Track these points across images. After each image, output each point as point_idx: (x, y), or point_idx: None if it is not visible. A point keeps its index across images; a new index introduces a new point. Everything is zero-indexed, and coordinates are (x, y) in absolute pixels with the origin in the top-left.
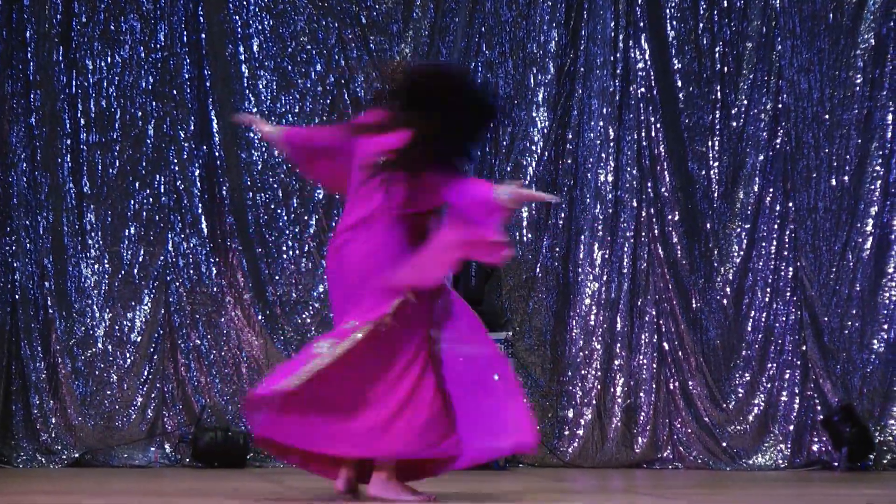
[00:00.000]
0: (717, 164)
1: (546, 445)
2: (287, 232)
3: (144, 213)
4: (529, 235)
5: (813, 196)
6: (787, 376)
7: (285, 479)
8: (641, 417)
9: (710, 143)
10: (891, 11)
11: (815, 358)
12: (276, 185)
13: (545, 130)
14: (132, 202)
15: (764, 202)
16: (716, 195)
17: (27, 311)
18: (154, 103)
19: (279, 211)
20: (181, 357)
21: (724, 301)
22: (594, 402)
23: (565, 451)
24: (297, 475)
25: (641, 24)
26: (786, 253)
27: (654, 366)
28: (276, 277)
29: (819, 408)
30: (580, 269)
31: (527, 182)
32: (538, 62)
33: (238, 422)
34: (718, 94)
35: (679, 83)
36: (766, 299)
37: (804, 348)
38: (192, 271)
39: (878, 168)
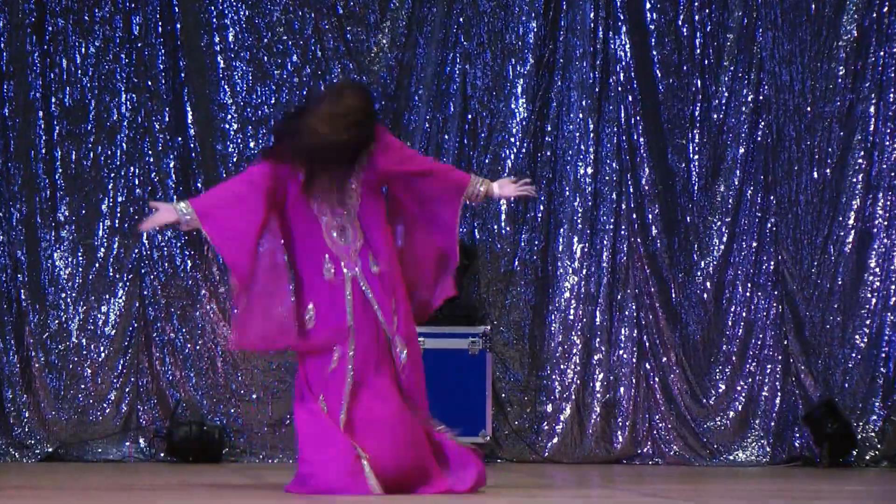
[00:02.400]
0: (697, 156)
1: (524, 441)
2: None
3: (119, 206)
4: (507, 228)
5: (794, 189)
6: (767, 371)
7: (262, 475)
8: (621, 412)
9: (690, 136)
10: (873, 2)
11: (796, 352)
12: None
13: (524, 122)
14: (106, 194)
15: (745, 195)
16: (696, 188)
17: (0, 303)
18: (128, 94)
19: None
20: (156, 351)
21: (705, 295)
22: (573, 396)
23: (543, 446)
24: (273, 470)
25: (621, 14)
26: (766, 247)
27: (634, 360)
28: None
29: (800, 403)
30: (559, 263)
31: (506, 174)
32: (517, 53)
33: (213, 416)
34: (699, 85)
35: (659, 74)
36: (747, 293)
37: (785, 343)
38: (166, 264)
39: (860, 161)
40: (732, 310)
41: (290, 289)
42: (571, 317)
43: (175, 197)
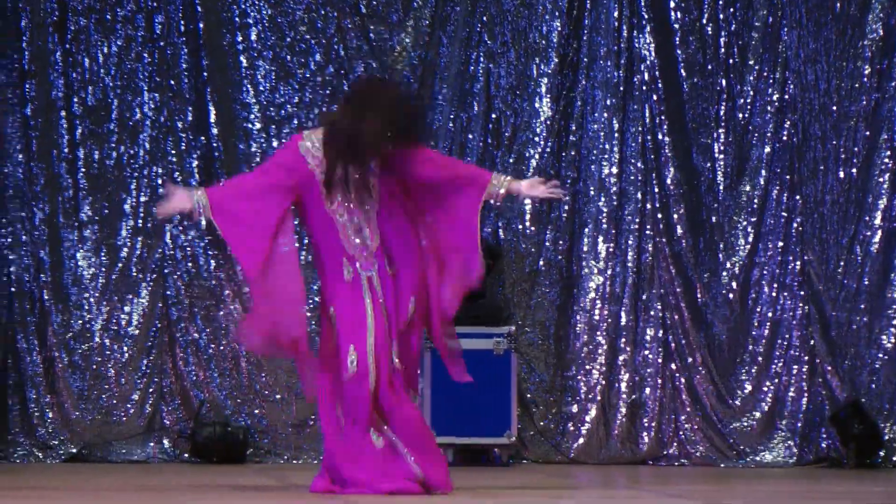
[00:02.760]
0: (722, 156)
1: (549, 442)
2: None
3: (141, 206)
4: (532, 228)
5: (820, 189)
6: (794, 372)
7: (286, 475)
8: (646, 413)
9: (715, 135)
10: None
11: (823, 353)
12: None
13: (548, 122)
14: (129, 194)
15: (770, 195)
16: (721, 188)
17: (23, 304)
18: (151, 94)
19: None
20: (179, 351)
21: (730, 295)
22: (598, 397)
23: (569, 447)
24: (297, 470)
25: (645, 13)
26: (792, 247)
27: (659, 361)
28: None
29: (826, 404)
30: (584, 263)
31: (530, 174)
32: (541, 52)
33: (237, 417)
34: (723, 84)
35: (683, 74)
36: (773, 294)
37: (811, 343)
38: (189, 264)
39: (886, 160)
40: (758, 310)
41: (301, 291)
42: (596, 317)
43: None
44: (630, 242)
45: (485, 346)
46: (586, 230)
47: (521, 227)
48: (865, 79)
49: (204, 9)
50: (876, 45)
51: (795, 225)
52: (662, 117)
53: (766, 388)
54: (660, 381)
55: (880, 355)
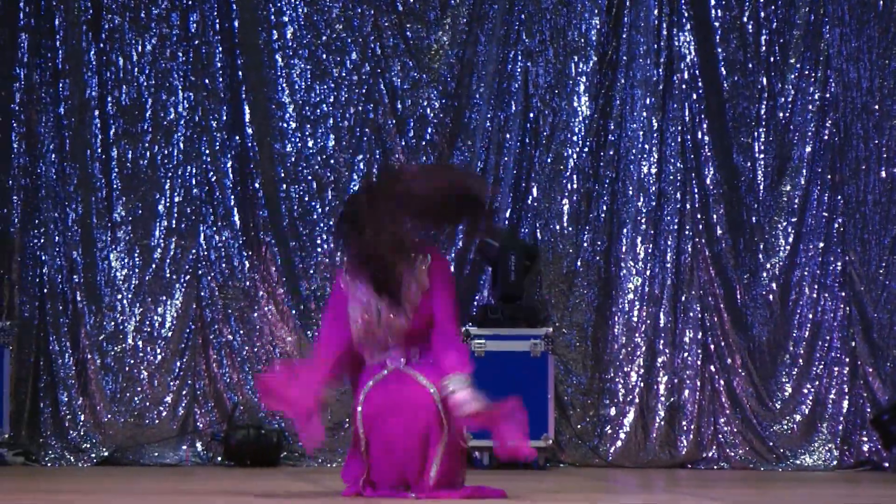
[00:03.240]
0: (762, 155)
1: (587, 445)
2: (321, 225)
3: (175, 206)
4: (570, 228)
5: (862, 188)
6: (835, 374)
7: (321, 479)
8: (685, 416)
9: (755, 135)
10: None
11: (864, 355)
12: (309, 177)
13: (587, 121)
14: (163, 194)
15: (811, 195)
16: (761, 188)
17: (55, 305)
18: (185, 93)
19: (313, 203)
20: (213, 353)
21: (770, 296)
22: (637, 400)
23: (607, 450)
24: (332, 473)
25: (685, 11)
26: (833, 247)
27: (699, 363)
28: (311, 271)
29: (868, 406)
30: (622, 264)
31: (568, 173)
32: (579, 51)
33: (271, 420)
34: (764, 83)
35: (724, 72)
36: (814, 295)
37: (853, 345)
38: (224, 265)
39: None
40: (799, 311)
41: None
42: (635, 318)
43: (233, 196)
44: (669, 243)
45: (522, 348)
46: (625, 230)
47: (558, 227)
48: None
49: (239, 7)
50: None
51: (837, 225)
52: (702, 116)
53: (806, 391)
54: (699, 383)
55: None
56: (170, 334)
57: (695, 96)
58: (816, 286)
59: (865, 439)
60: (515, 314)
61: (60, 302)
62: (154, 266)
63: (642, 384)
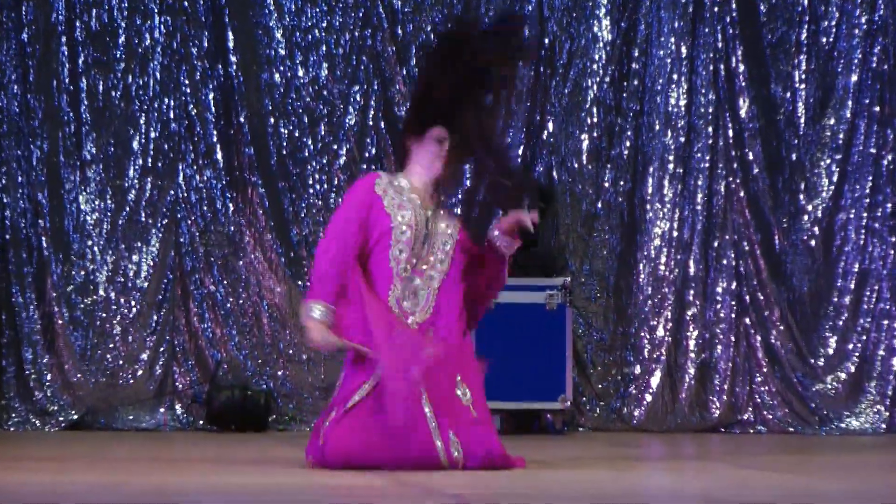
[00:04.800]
0: (803, 85)
1: (609, 407)
2: (314, 163)
3: (152, 143)
4: (590, 167)
5: None
6: (884, 328)
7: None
8: (718, 375)
9: (795, 62)
10: None
11: None
12: (300, 110)
13: (608, 48)
14: (138, 130)
15: (857, 129)
16: (802, 121)
17: (19, 253)
18: (162, 17)
19: (304, 140)
20: (193, 306)
21: (812, 242)
22: (664, 357)
23: (631, 413)
24: None
25: None
26: (882, 186)
27: (733, 316)
28: (302, 215)
29: None
30: (648, 206)
31: (587, 106)
32: None
33: (258, 379)
34: (805, 5)
35: None
36: (861, 240)
37: None
38: (205, 208)
39: None
40: (844, 259)
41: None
42: (662, 267)
43: (216, 132)
44: (699, 183)
45: (536, 300)
46: (651, 169)
47: (577, 165)
48: None
49: None
50: None
51: (886, 163)
52: (737, 42)
53: (851, 347)
54: (733, 338)
55: None
56: (146, 285)
57: (728, 19)
58: (863, 230)
59: None
60: (529, 262)
61: (24, 249)
62: (128, 209)
63: (670, 340)
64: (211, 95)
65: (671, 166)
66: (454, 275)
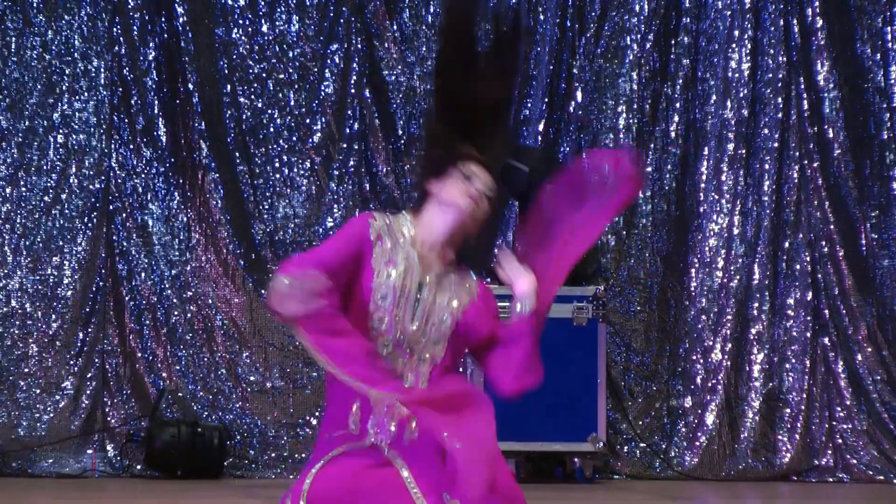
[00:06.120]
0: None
1: (651, 449)
2: (281, 142)
3: (76, 115)
4: (631, 144)
5: None
6: None
7: (279, 495)
8: (789, 409)
9: (886, 16)
10: None
11: None
12: (264, 75)
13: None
14: (60, 99)
15: None
16: None
17: None
18: None
19: (270, 111)
20: (129, 321)
21: None
22: (721, 387)
23: (679, 457)
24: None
25: None
26: None
27: (808, 335)
28: (265, 207)
29: None
30: (701, 197)
31: (625, 71)
32: None
33: (211, 413)
34: None
35: None
36: None
37: None
38: (145, 197)
39: None
40: None
41: None
42: (719, 273)
43: (157, 101)
44: (766, 167)
45: (561, 314)
46: (705, 151)
47: (612, 145)
48: None
49: None
50: None
51: None
52: None
53: None
54: (808, 363)
55: None
56: (69, 294)
57: None
58: None
59: None
60: None
61: None
62: (47, 198)
63: (729, 364)
64: (151, 55)
65: (731, 147)
66: (450, 364)
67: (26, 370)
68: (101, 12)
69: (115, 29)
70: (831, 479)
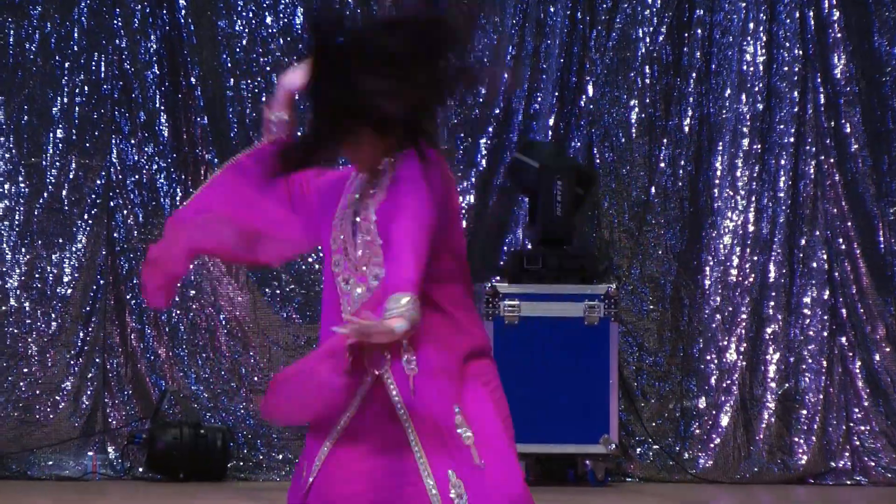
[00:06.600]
0: None
1: (665, 451)
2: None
3: (77, 109)
4: (640, 142)
5: None
6: None
7: (282, 499)
8: (806, 410)
9: None
10: None
11: None
12: (268, 68)
13: None
14: (60, 93)
15: None
16: None
17: None
18: None
19: None
20: (131, 320)
21: None
22: (736, 387)
23: (693, 459)
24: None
25: None
26: None
27: (825, 334)
28: None
29: None
30: (715, 193)
31: (637, 64)
32: None
33: (214, 414)
34: None
35: None
36: None
37: None
38: (146, 194)
39: None
40: None
41: None
42: (734, 271)
43: (159, 95)
44: (782, 162)
45: (572, 313)
46: (719, 146)
47: (624, 140)
48: None
49: None
50: None
51: None
52: None
53: None
54: (824, 363)
55: None
56: (69, 292)
57: None
58: None
59: None
60: (563, 264)
61: None
62: (46, 195)
63: (744, 364)
64: (153, 48)
65: (745, 142)
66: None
67: (25, 371)
68: (101, 5)
69: (115, 21)
70: (849, 482)
